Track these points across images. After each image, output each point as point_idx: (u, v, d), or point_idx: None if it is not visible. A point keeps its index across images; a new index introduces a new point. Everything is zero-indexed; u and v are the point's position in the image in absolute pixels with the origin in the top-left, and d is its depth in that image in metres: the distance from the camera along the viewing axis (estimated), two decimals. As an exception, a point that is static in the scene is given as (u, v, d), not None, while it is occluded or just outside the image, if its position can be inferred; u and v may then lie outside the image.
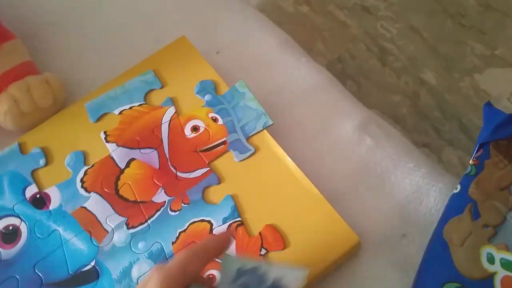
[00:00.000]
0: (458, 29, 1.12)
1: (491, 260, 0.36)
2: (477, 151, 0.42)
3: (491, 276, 0.36)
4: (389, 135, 0.48)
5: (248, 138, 0.45)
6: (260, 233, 0.40)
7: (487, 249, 0.37)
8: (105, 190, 0.44)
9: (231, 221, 0.41)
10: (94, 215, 0.43)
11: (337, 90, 0.51)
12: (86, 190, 0.44)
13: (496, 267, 0.36)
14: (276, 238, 0.40)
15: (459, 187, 0.40)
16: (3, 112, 0.46)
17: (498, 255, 0.36)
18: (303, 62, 0.52)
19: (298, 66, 0.52)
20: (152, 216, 0.42)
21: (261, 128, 0.45)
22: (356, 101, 0.50)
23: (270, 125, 0.45)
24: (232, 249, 0.40)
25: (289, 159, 0.43)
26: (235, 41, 0.54)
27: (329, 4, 1.19)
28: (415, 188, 0.44)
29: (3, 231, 0.43)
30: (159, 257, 0.40)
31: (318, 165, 0.45)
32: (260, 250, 0.40)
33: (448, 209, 0.40)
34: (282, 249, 0.39)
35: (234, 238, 0.40)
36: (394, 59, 1.11)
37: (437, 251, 0.38)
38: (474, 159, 0.41)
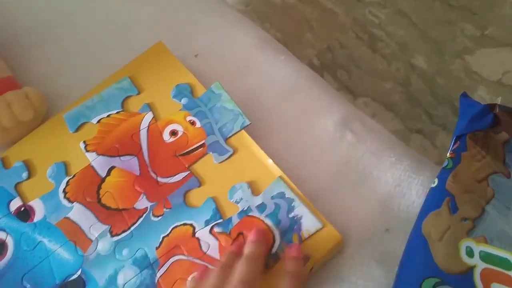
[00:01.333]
0: (447, 10, 1.13)
1: (470, 253, 0.37)
2: (453, 144, 0.43)
3: (471, 270, 0.37)
4: (370, 129, 0.49)
5: (226, 139, 0.46)
6: (238, 238, 0.42)
7: (466, 243, 0.38)
8: (87, 199, 0.45)
9: (213, 223, 0.43)
10: (78, 225, 0.44)
11: (318, 85, 0.52)
12: (69, 200, 0.45)
13: (476, 260, 0.37)
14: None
15: (436, 181, 0.41)
16: None
17: (477, 248, 0.37)
18: (282, 60, 0.53)
19: (277, 65, 0.53)
20: (135, 223, 0.44)
21: (239, 129, 0.46)
22: (337, 96, 0.51)
23: (248, 125, 0.46)
24: (215, 251, 0.41)
25: (269, 158, 0.44)
26: (213, 42, 0.55)
27: None
28: (397, 181, 0.45)
29: (-11, 246, 0.45)
30: (143, 262, 0.42)
31: (299, 164, 0.46)
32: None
33: (426, 203, 0.41)
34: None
35: (217, 240, 0.42)
36: (384, 45, 1.12)
37: (416, 247, 0.39)
38: (451, 152, 0.42)
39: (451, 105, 1.01)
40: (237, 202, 0.43)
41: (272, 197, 0.42)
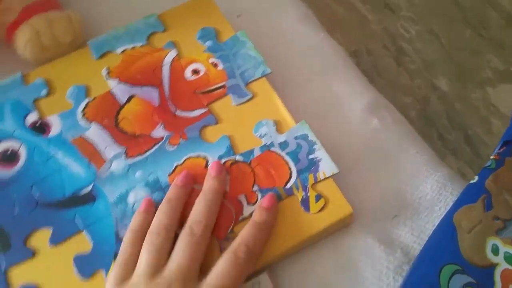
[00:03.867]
0: (477, 40, 1.18)
1: (495, 251, 0.40)
2: (500, 147, 0.46)
3: (493, 267, 0.40)
4: (395, 121, 0.53)
5: (246, 84, 0.50)
6: (253, 171, 0.46)
7: (493, 241, 0.41)
8: (105, 122, 0.49)
9: (226, 159, 0.47)
10: (94, 144, 0.48)
11: (351, 69, 0.56)
12: (86, 120, 0.49)
13: (499, 259, 0.40)
14: (268, 176, 0.45)
15: (476, 178, 0.45)
16: (24, 41, 0.51)
17: (503, 248, 0.40)
18: (321, 38, 0.58)
19: (316, 42, 0.57)
20: (150, 149, 0.47)
21: (260, 76, 0.50)
22: (368, 84, 0.55)
23: (268, 73, 0.50)
24: (226, 186, 0.45)
25: (286, 109, 0.49)
26: (258, 7, 0.58)
27: None
28: (414, 173, 0.49)
29: (2, 153, 0.48)
30: (155, 186, 0.46)
31: (321, 139, 0.48)
32: (253, 187, 0.45)
33: (462, 197, 0.44)
34: (274, 186, 0.45)
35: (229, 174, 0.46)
36: (410, 60, 1.17)
37: (444, 233, 0.42)
38: (495, 154, 0.46)
39: (464, 132, 1.06)
40: (261, 137, 0.47)
41: (295, 138, 0.47)
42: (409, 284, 0.40)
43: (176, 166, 0.46)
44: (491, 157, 0.46)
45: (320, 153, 0.46)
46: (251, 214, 0.44)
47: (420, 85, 1.14)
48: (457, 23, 1.23)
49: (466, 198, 0.44)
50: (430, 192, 0.48)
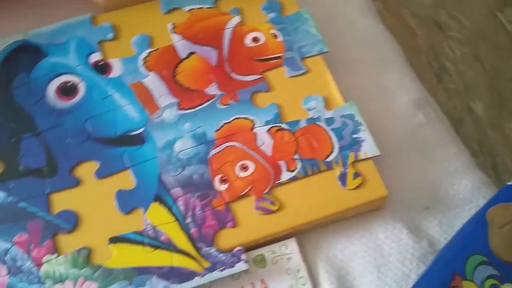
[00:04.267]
0: None
1: None
2: None
3: None
4: (439, 119, 0.54)
5: (302, 59, 0.52)
6: (296, 140, 0.48)
7: None
8: (164, 72, 0.51)
9: (273, 125, 0.48)
10: (150, 91, 0.50)
11: (404, 64, 0.58)
12: (146, 68, 0.51)
13: None
14: (310, 147, 0.47)
15: None
16: None
17: None
18: (379, 29, 0.59)
19: (374, 32, 0.59)
20: (201, 104, 0.49)
21: (316, 53, 0.52)
22: (418, 81, 0.57)
23: (325, 52, 0.52)
24: (269, 148, 0.47)
25: (337, 88, 0.50)
26: None
27: (403, 8, 1.26)
28: (451, 171, 0.50)
29: (61, 85, 0.50)
30: (201, 139, 0.48)
31: (367, 121, 0.49)
32: (294, 155, 0.47)
33: (498, 195, 0.45)
34: (314, 158, 0.47)
35: (272, 140, 0.48)
36: (450, 80, 1.17)
37: (475, 226, 0.43)
38: None
39: (492, 159, 1.07)
40: (308, 110, 0.49)
41: (342, 116, 0.48)
42: (437, 265, 0.41)
43: (224, 124, 0.48)
44: None
45: (364, 134, 0.47)
46: (289, 180, 0.46)
47: (456, 106, 1.14)
48: (504, 51, 1.23)
49: (501, 196, 0.45)
50: (463, 191, 0.50)
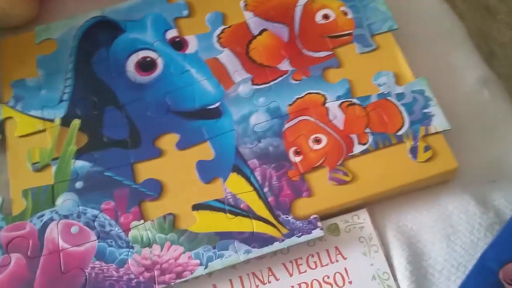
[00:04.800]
0: None
1: None
2: None
3: None
4: (503, 97, 0.55)
5: (372, 36, 0.53)
6: (367, 114, 0.49)
7: None
8: (237, 49, 0.53)
9: (344, 100, 0.50)
10: (225, 66, 0.52)
11: (469, 44, 0.59)
12: (221, 45, 0.53)
13: None
14: (381, 121, 0.49)
15: None
16: None
17: None
18: (444, 8, 0.60)
19: (440, 11, 0.60)
20: (275, 80, 0.51)
21: (386, 30, 0.53)
22: (482, 61, 0.57)
23: (395, 29, 0.53)
24: (341, 122, 0.49)
25: (407, 64, 0.52)
26: None
27: None
28: None
29: (140, 60, 0.53)
30: (275, 113, 0.50)
31: (436, 95, 0.50)
32: (365, 129, 0.49)
33: None
34: (385, 132, 0.48)
35: (344, 114, 0.49)
36: (499, 64, 1.17)
37: None
38: None
39: None
40: (379, 85, 0.50)
41: (413, 91, 0.50)
42: (506, 232, 0.43)
43: (296, 99, 0.50)
44: None
45: (434, 109, 0.49)
46: (361, 153, 0.48)
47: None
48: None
49: None
50: None
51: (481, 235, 0.47)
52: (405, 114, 0.49)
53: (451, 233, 0.47)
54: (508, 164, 0.51)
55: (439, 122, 0.48)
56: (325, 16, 0.55)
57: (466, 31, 0.60)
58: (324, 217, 0.47)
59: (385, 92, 0.50)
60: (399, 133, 0.48)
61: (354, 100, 0.50)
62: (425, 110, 0.49)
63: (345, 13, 0.54)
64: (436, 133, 0.48)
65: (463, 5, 1.25)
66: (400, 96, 0.50)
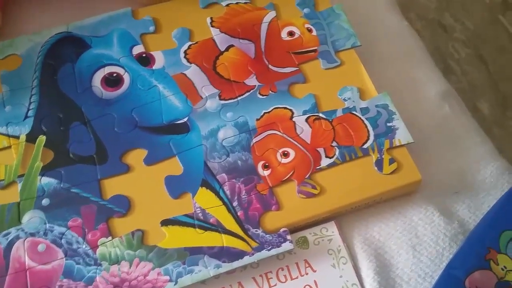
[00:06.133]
0: None
1: None
2: None
3: None
4: (464, 112, 0.57)
5: (336, 52, 0.54)
6: (333, 128, 0.50)
7: None
8: (204, 64, 0.53)
9: (310, 114, 0.51)
10: (192, 82, 0.52)
11: (428, 60, 0.61)
12: (188, 60, 0.53)
13: None
14: (347, 135, 0.50)
15: None
16: None
17: None
18: (404, 25, 0.62)
19: (400, 28, 0.62)
20: (242, 95, 0.52)
21: (349, 47, 0.54)
22: (442, 76, 0.59)
23: (358, 46, 0.55)
24: (308, 136, 0.50)
25: (370, 80, 0.53)
26: None
27: (410, 11, 1.30)
28: (477, 158, 0.53)
29: (107, 76, 0.52)
30: (243, 127, 0.50)
31: (399, 110, 0.51)
32: (332, 142, 0.49)
33: None
34: (351, 145, 0.49)
35: (311, 128, 0.50)
36: (456, 80, 1.21)
37: (506, 204, 0.46)
38: None
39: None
40: (344, 100, 0.51)
41: (376, 106, 0.51)
42: (470, 242, 0.44)
43: (264, 113, 0.51)
44: None
45: (397, 123, 0.50)
46: (328, 166, 0.48)
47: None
48: (507, 52, 1.26)
49: None
50: (489, 177, 0.52)
51: (446, 245, 0.48)
52: (370, 128, 0.50)
53: (417, 243, 0.48)
54: (470, 176, 0.52)
55: (402, 135, 0.49)
56: (290, 33, 0.55)
57: (425, 48, 0.61)
58: (293, 230, 0.47)
59: (350, 107, 0.51)
60: (365, 146, 0.49)
61: (320, 115, 0.51)
62: (389, 124, 0.50)
63: (310, 30, 0.55)
64: (400, 146, 0.49)
65: (419, 23, 1.29)
66: (364, 110, 0.51)
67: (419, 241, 0.48)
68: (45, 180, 0.47)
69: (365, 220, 0.49)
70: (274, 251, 0.44)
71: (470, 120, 0.57)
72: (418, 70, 0.58)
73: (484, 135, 0.56)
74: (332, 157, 0.49)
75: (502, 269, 0.43)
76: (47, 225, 0.46)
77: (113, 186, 0.47)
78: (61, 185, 0.47)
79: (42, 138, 0.49)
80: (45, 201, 0.47)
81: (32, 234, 0.45)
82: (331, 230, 0.47)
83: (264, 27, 0.56)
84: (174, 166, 0.48)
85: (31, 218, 0.46)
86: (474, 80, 1.22)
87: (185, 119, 0.50)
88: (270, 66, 0.53)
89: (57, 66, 0.53)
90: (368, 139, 0.49)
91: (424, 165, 0.50)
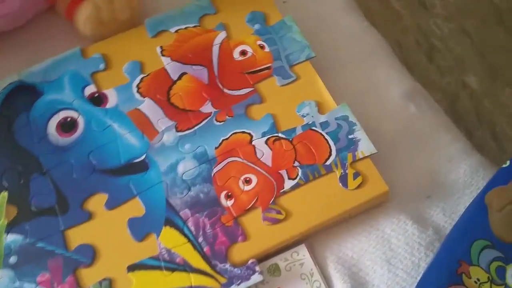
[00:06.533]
0: (509, 40, 1.19)
1: None
2: None
3: None
4: (432, 109, 0.55)
5: (291, 67, 0.53)
6: (294, 147, 0.49)
7: None
8: (158, 96, 0.52)
9: (269, 136, 0.49)
10: (147, 116, 0.51)
11: (391, 58, 0.59)
12: (141, 95, 0.52)
13: None
14: (308, 153, 0.48)
15: (508, 162, 0.47)
16: (84, 17, 0.54)
17: None
18: (364, 26, 0.60)
19: (358, 29, 0.60)
20: (198, 124, 0.50)
21: (304, 59, 0.53)
22: (406, 73, 0.57)
23: (313, 57, 0.53)
24: (269, 159, 0.48)
25: (327, 92, 0.51)
26: None
27: None
28: (448, 158, 0.51)
29: (61, 121, 0.51)
30: (202, 158, 0.49)
31: (361, 119, 0.50)
32: (294, 162, 0.48)
33: (494, 179, 0.46)
34: (314, 163, 0.48)
35: (271, 150, 0.49)
36: (441, 57, 1.18)
37: (476, 212, 0.45)
38: None
39: (491, 129, 1.08)
40: (303, 116, 0.50)
41: (336, 118, 0.49)
42: (442, 254, 0.43)
43: (222, 140, 0.50)
44: None
45: (359, 134, 0.48)
46: (291, 188, 0.47)
47: (450, 82, 1.15)
48: (490, 22, 1.24)
49: (498, 180, 0.46)
50: (462, 176, 0.51)
51: (421, 255, 0.46)
52: (331, 143, 0.49)
53: (391, 257, 0.46)
54: (443, 177, 0.51)
55: (365, 147, 0.48)
56: (243, 53, 0.54)
57: (388, 47, 0.60)
58: (263, 258, 0.46)
59: (310, 123, 0.50)
60: (327, 162, 0.48)
61: (280, 135, 0.49)
62: (351, 136, 0.48)
63: (262, 47, 0.54)
64: (364, 158, 0.48)
65: (398, 3, 1.26)
66: (324, 124, 0.49)
67: (394, 254, 0.47)
68: (11, 237, 0.47)
69: (337, 238, 0.48)
70: (243, 285, 0.43)
71: (439, 116, 0.55)
72: (380, 71, 0.56)
73: (455, 131, 0.54)
74: (295, 178, 0.47)
75: (476, 282, 0.41)
76: (17, 283, 0.45)
77: (77, 236, 0.47)
78: (27, 241, 0.47)
79: (4, 195, 0.49)
80: (12, 259, 0.46)
81: (2, 295, 0.44)
82: (302, 253, 0.46)
83: (215, 50, 0.54)
84: (135, 208, 0.47)
85: (0, 278, 0.45)
86: (460, 55, 1.19)
87: (143, 157, 0.49)
88: (225, 90, 0.52)
89: (12, 118, 0.52)
90: (330, 155, 0.48)
91: (393, 172, 0.49)
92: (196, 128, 0.50)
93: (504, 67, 1.17)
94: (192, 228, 0.46)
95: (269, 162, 0.48)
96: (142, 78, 0.53)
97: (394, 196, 0.49)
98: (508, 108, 1.12)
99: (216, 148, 0.49)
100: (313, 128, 0.49)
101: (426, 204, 0.49)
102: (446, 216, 0.49)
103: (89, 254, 0.46)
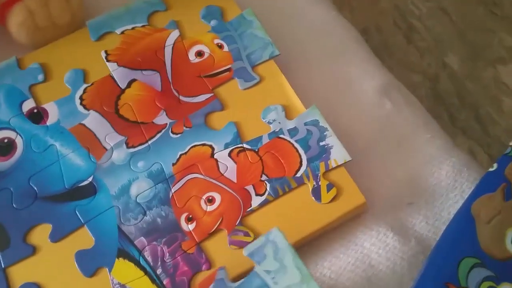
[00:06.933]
0: (490, 17, 1.16)
1: None
2: None
3: None
4: (409, 103, 0.50)
5: (253, 67, 0.47)
6: (261, 159, 0.44)
7: None
8: (105, 108, 0.46)
9: (233, 147, 0.44)
10: (93, 132, 0.45)
11: (363, 49, 0.53)
12: (85, 107, 0.46)
13: None
14: (277, 165, 0.43)
15: (495, 165, 0.42)
16: (17, 24, 0.48)
17: None
18: (332, 16, 0.55)
19: (326, 20, 0.54)
20: (152, 137, 0.45)
21: (268, 58, 0.48)
22: (380, 65, 0.53)
23: (277, 55, 0.48)
24: (233, 174, 0.43)
25: (295, 93, 0.46)
26: None
27: None
28: (428, 159, 0.47)
29: (-2, 144, 0.46)
30: (158, 176, 0.43)
31: (333, 124, 0.46)
32: (261, 176, 0.43)
33: (480, 185, 0.42)
34: (283, 176, 0.43)
35: (236, 163, 0.44)
36: (420, 38, 1.15)
37: (462, 225, 0.40)
38: None
39: (475, 111, 1.05)
40: (269, 123, 0.45)
41: (306, 124, 0.44)
42: (427, 276, 0.38)
43: (180, 155, 0.44)
44: (510, 143, 0.44)
45: (331, 140, 0.43)
46: (260, 205, 0.42)
47: (431, 63, 1.12)
48: (469, 0, 1.20)
49: (484, 187, 0.42)
50: (445, 178, 0.46)
51: (404, 270, 0.42)
52: (301, 152, 0.44)
53: (372, 274, 0.42)
54: (424, 181, 0.46)
55: (338, 154, 0.43)
56: (199, 54, 0.48)
57: (360, 37, 0.55)
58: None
59: (277, 130, 0.45)
60: (298, 174, 0.43)
61: (245, 145, 0.44)
62: (322, 143, 0.43)
63: (221, 46, 0.48)
64: (337, 166, 0.43)
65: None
66: (293, 131, 0.44)
67: (374, 271, 0.42)
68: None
69: (313, 255, 0.43)
70: (209, 321, 0.38)
71: (417, 110, 0.50)
72: (352, 66, 0.51)
73: (435, 126, 0.50)
74: (263, 194, 0.42)
75: (465, 306, 0.37)
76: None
77: (20, 273, 0.41)
78: (-34, 282, 0.41)
79: None
80: None
81: None
82: (276, 277, 0.41)
83: (168, 52, 0.48)
84: (84, 238, 0.42)
85: None
86: (439, 34, 1.16)
87: (90, 179, 0.44)
88: (181, 97, 0.47)
89: None
90: (300, 165, 0.43)
91: (369, 179, 0.45)
92: (150, 142, 0.45)
93: (485, 46, 1.14)
94: (149, 259, 0.41)
95: (233, 178, 0.43)
96: (85, 88, 0.47)
97: (372, 205, 0.44)
98: (490, 90, 1.09)
99: (173, 164, 0.44)
100: (281, 136, 0.44)
101: (407, 212, 0.45)
102: (429, 225, 0.44)
103: (34, 294, 0.40)
